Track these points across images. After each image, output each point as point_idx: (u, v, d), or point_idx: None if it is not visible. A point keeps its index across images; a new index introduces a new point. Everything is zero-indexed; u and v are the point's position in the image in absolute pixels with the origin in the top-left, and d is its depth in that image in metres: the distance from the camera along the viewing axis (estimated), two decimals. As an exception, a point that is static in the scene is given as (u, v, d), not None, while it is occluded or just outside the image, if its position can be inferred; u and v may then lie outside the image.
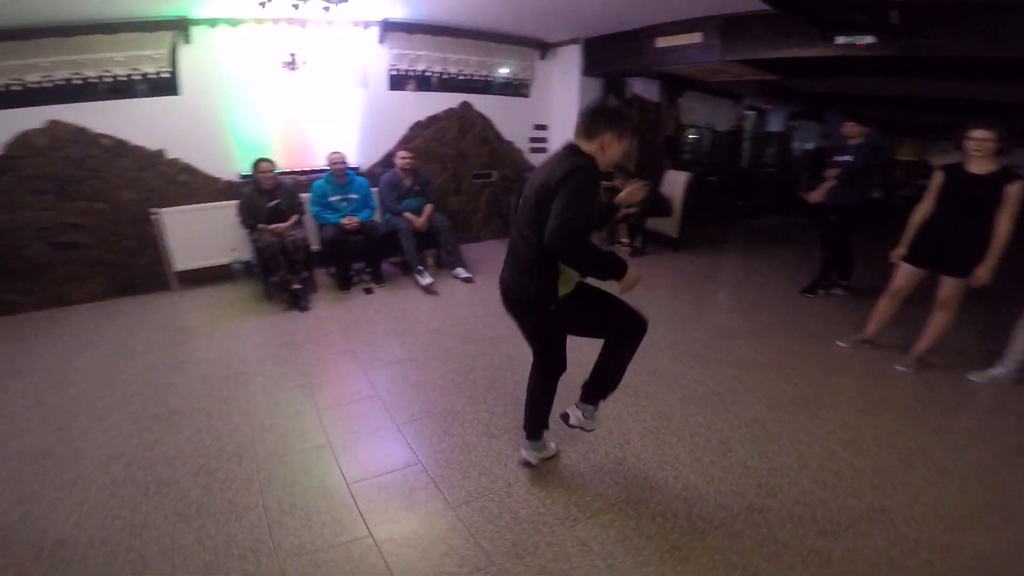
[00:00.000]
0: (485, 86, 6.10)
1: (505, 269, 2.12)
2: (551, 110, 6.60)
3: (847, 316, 4.20)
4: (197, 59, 4.57)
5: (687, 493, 2.15)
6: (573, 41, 6.00)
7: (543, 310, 2.00)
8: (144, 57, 4.29)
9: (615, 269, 1.87)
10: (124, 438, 2.67)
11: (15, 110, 4.21)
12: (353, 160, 5.48)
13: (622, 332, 2.14)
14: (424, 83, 5.66)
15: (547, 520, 2.03)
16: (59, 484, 2.30)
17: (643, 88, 6.59)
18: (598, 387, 2.34)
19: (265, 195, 4.66)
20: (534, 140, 6.70)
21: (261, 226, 4.64)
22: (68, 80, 4.17)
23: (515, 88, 6.34)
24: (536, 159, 6.72)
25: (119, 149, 4.69)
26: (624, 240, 6.52)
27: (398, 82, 5.53)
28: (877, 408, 2.88)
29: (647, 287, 4.92)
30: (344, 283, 4.99)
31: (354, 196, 5.08)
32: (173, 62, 4.47)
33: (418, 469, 2.38)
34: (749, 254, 6.51)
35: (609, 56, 5.88)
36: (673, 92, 6.95)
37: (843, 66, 4.98)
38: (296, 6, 3.70)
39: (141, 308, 4.74)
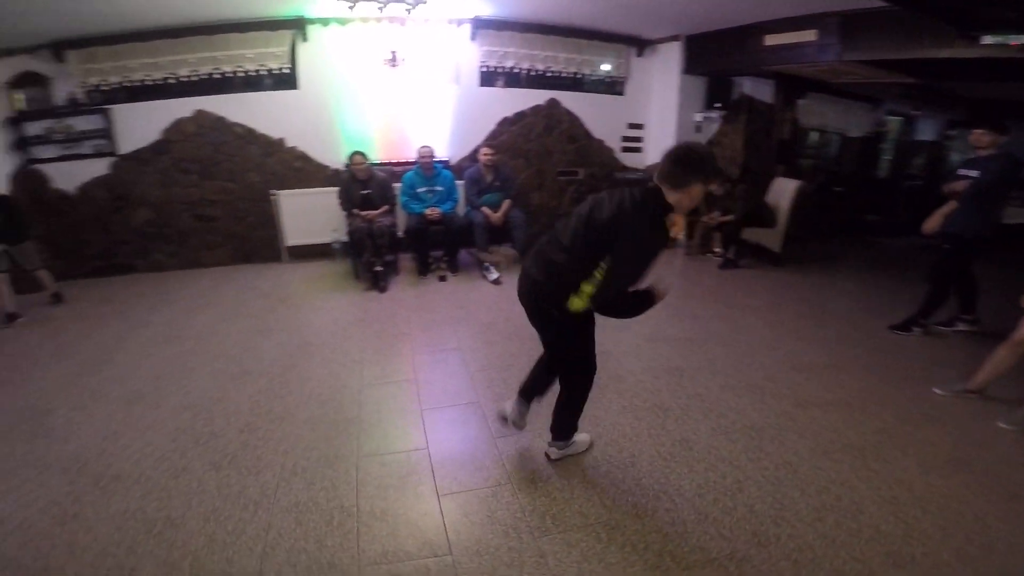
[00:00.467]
0: (575, 83, 6.03)
1: (531, 261, 2.16)
2: (648, 109, 6.35)
3: (956, 359, 3.58)
4: (312, 56, 5.12)
5: (671, 528, 2.02)
6: (673, 38, 5.71)
7: (549, 313, 2.09)
8: (269, 54, 4.90)
9: (649, 302, 2.02)
10: (200, 392, 3.14)
11: (171, 100, 5.05)
12: (443, 154, 5.76)
13: (586, 366, 2.29)
14: (513, 80, 5.76)
15: (518, 527, 2.04)
16: (138, 427, 2.77)
17: (753, 88, 6.07)
18: (561, 427, 2.45)
19: (359, 184, 5.09)
20: (628, 139, 6.50)
21: (355, 211, 5.08)
22: (210, 74, 4.90)
23: (608, 86, 6.20)
24: (629, 159, 6.53)
25: (249, 136, 5.40)
26: (717, 250, 6.11)
27: (488, 78, 5.70)
28: (949, 466, 2.45)
29: (728, 305, 4.68)
30: (422, 269, 5.29)
31: (439, 188, 5.34)
32: (293, 59, 5.05)
33: (422, 454, 2.50)
34: (865, 277, 5.74)
35: (713, 54, 5.51)
36: (790, 93, 6.31)
37: (999, 69, 4.20)
38: (381, 7, 3.98)
39: (255, 275, 5.43)
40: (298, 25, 4.91)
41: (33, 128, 4.96)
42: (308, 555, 1.89)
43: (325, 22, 4.94)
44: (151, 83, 4.88)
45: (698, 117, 6.17)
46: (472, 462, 2.44)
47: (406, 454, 2.50)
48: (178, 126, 5.20)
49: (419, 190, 5.30)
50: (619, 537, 1.97)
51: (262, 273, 5.52)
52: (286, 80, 5.14)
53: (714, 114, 6.18)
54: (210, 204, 5.59)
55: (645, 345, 3.73)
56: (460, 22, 5.26)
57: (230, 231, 5.73)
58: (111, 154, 5.20)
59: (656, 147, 6.32)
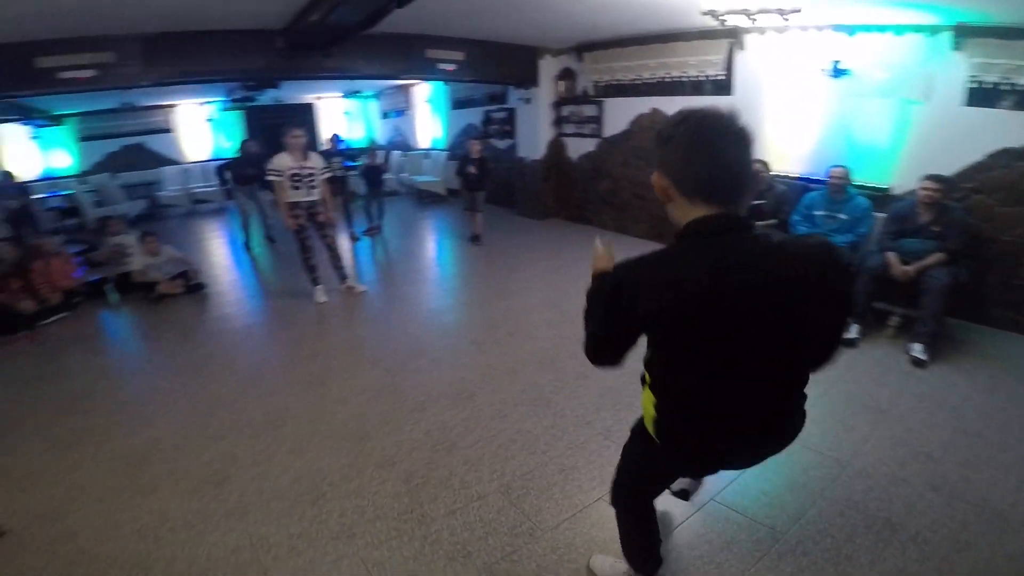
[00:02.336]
0: None
1: (736, 438, 1.30)
2: None
3: None
4: (748, 63, 4.95)
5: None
6: None
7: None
8: (708, 61, 5.10)
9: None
10: (502, 312, 4.35)
11: (637, 98, 6.08)
12: (883, 180, 4.53)
13: None
14: (1030, 100, 3.69)
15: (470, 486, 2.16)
16: (455, 321, 4.18)
17: None
18: None
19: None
20: None
21: (735, 217, 4.88)
22: (662, 78, 5.58)
23: None
24: None
25: (685, 134, 5.87)
26: None
27: (981, 97, 3.89)
28: None
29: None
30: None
31: (843, 216, 4.34)
32: (728, 66, 5.06)
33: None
34: None
35: None
36: None
37: None
38: (753, 19, 3.50)
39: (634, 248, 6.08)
40: (735, 34, 4.85)
41: (564, 111, 7.09)
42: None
43: (762, 30, 4.66)
44: (626, 82, 6.02)
45: None
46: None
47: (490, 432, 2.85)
48: (639, 120, 6.22)
49: (816, 212, 4.46)
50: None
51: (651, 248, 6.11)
52: (722, 86, 5.22)
53: None
54: (646, 187, 6.47)
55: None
56: (936, 29, 3.83)
57: (653, 212, 6.51)
58: (598, 136, 6.81)
59: None
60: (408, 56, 5.59)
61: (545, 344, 3.58)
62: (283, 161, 4.15)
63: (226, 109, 10.49)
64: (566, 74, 6.90)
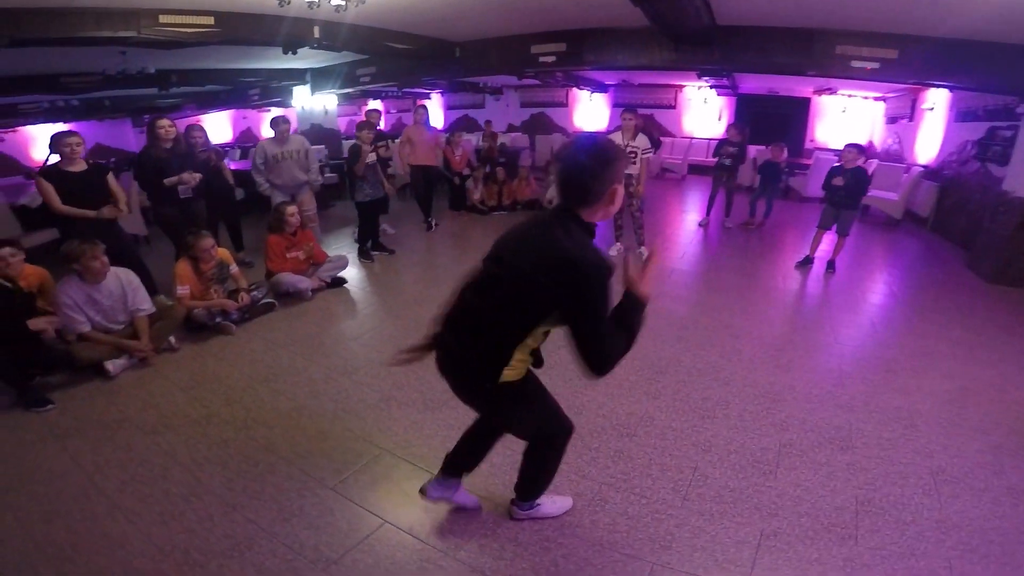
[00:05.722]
0: None
1: (447, 329, 1.61)
2: None
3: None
4: None
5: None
6: None
7: (480, 387, 1.58)
8: None
9: (640, 313, 1.45)
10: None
11: None
12: None
13: (550, 431, 1.80)
14: None
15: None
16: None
17: None
18: (527, 488, 1.98)
19: None
20: None
21: None
22: None
23: None
24: None
25: None
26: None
27: None
28: None
29: None
30: None
31: None
32: None
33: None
34: None
35: None
36: None
37: None
38: None
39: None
40: None
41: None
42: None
43: None
44: None
45: None
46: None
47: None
48: None
49: None
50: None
51: None
52: None
53: None
54: None
55: None
56: None
57: None
58: None
59: None
60: (810, 51, 4.81)
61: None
62: (615, 139, 4.81)
63: (719, 95, 11.16)
64: None
